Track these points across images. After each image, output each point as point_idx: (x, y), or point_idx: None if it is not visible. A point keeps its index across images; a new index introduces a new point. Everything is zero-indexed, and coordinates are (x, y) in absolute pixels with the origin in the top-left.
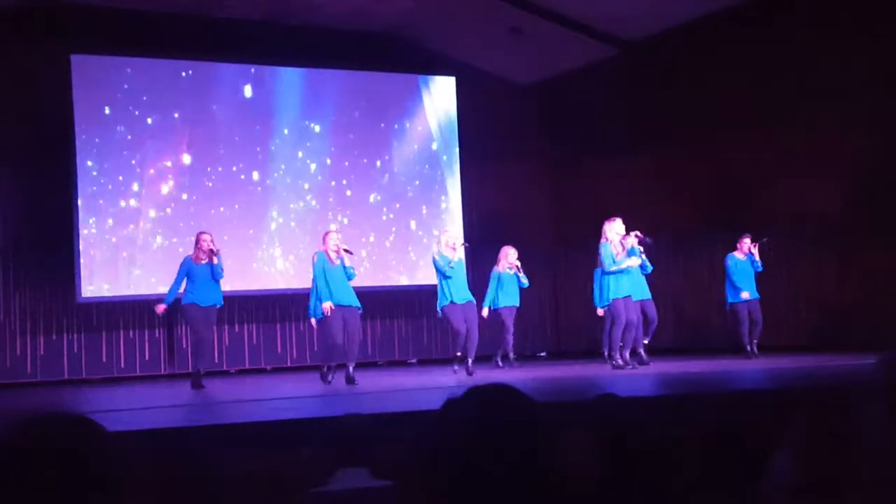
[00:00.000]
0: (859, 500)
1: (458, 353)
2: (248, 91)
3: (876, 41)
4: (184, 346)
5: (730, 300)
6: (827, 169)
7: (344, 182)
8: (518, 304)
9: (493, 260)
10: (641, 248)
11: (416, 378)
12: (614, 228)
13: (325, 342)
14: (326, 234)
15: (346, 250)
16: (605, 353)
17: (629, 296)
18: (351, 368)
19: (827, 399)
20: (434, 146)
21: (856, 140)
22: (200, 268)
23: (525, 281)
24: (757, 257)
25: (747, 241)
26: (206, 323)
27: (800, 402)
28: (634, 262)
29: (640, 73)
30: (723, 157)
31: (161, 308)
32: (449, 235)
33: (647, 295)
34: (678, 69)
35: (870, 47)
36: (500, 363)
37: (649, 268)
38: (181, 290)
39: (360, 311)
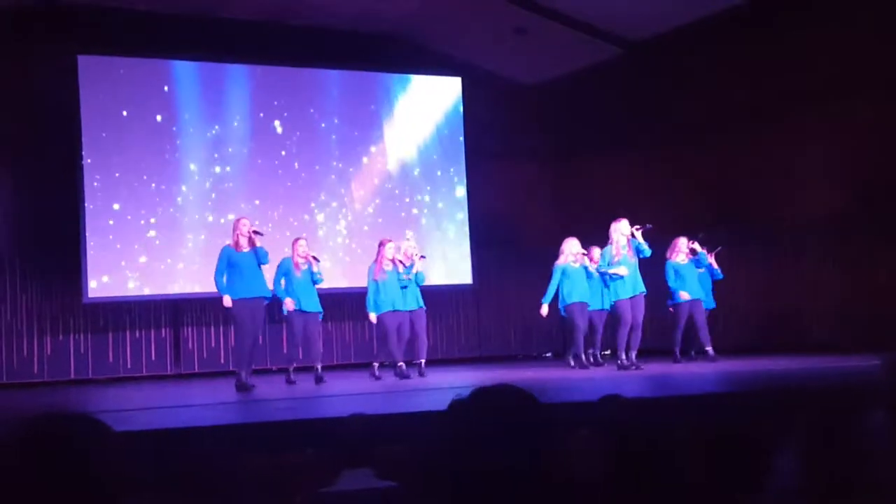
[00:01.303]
0: (863, 501)
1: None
2: (253, 91)
3: (878, 41)
4: (189, 346)
5: (671, 301)
6: (828, 170)
7: (342, 182)
8: (588, 301)
9: (495, 259)
10: (645, 243)
11: (422, 378)
12: (619, 229)
13: (289, 344)
14: (295, 241)
15: (313, 257)
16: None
17: (635, 295)
18: (319, 368)
19: (830, 400)
20: (437, 146)
21: (858, 141)
22: (244, 256)
23: (594, 272)
24: (711, 259)
25: (684, 241)
26: (253, 319)
27: (804, 403)
28: (623, 271)
29: (643, 74)
30: (725, 158)
31: (228, 300)
32: (391, 247)
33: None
34: (682, 69)
35: (872, 47)
36: (571, 363)
37: (719, 275)
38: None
39: (321, 317)
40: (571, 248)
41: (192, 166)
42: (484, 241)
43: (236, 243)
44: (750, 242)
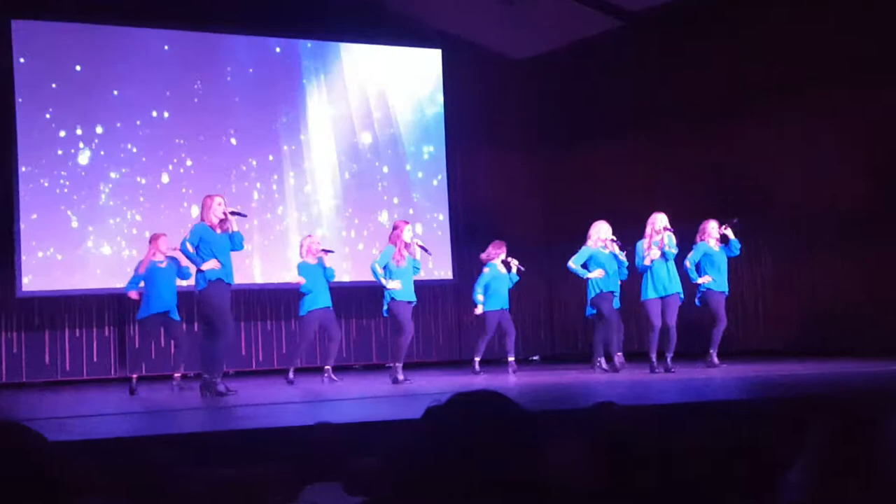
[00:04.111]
0: None
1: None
2: (208, 64)
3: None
4: (136, 346)
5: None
6: (846, 157)
7: (303, 166)
8: (617, 291)
9: (477, 253)
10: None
11: (396, 384)
12: (653, 223)
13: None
14: (210, 198)
15: (234, 212)
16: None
17: (666, 296)
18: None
19: (848, 409)
20: (414, 128)
21: (875, 126)
22: (218, 238)
23: (624, 259)
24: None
25: (714, 225)
26: (229, 308)
27: (819, 411)
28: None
29: (645, 49)
30: (733, 143)
31: (216, 263)
32: (409, 230)
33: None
34: (686, 45)
35: (890, 25)
36: (603, 365)
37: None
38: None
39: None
40: (600, 232)
41: (139, 144)
42: (466, 233)
43: (211, 224)
44: (761, 237)
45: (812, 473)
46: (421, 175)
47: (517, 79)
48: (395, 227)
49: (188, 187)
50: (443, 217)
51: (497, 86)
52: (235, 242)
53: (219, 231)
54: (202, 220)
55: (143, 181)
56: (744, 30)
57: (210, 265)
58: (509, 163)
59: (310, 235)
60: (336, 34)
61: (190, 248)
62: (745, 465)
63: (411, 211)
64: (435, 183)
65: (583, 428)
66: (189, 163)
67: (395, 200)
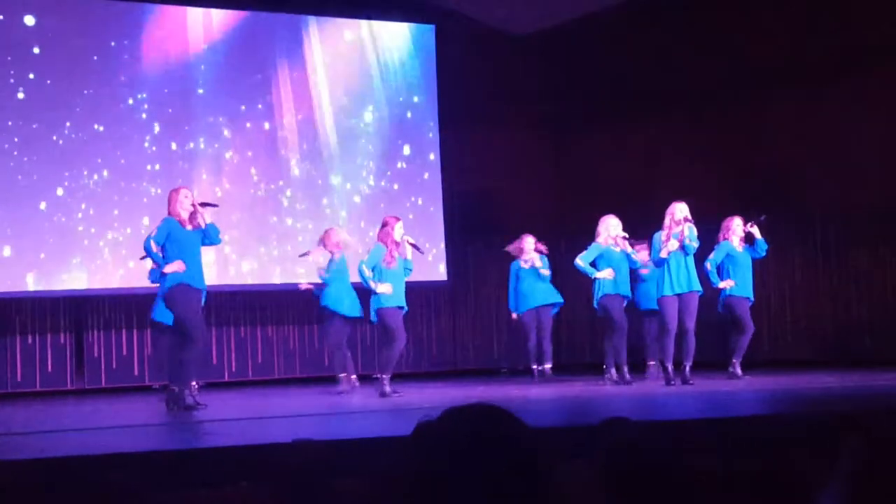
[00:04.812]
0: None
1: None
2: (168, 36)
3: None
4: (95, 355)
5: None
6: (887, 148)
7: (274, 152)
8: (629, 296)
9: (474, 251)
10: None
11: (384, 397)
12: (672, 213)
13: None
14: (175, 192)
15: (205, 203)
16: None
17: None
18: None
19: (885, 426)
20: (403, 109)
21: None
22: (188, 235)
23: (637, 259)
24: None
25: (739, 222)
26: (201, 315)
27: (851, 428)
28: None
29: (666, 20)
30: (763, 130)
31: (181, 265)
32: (401, 227)
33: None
34: (715, 16)
35: None
36: (613, 377)
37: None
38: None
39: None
40: (609, 228)
41: (99, 126)
42: (461, 229)
43: (179, 220)
44: (790, 236)
45: (845, 496)
46: (411, 162)
47: (523, 55)
48: (384, 224)
49: (153, 144)
50: (435, 210)
51: (499, 63)
52: (211, 236)
53: (189, 227)
54: (170, 214)
55: (101, 128)
56: (785, 4)
57: (173, 268)
58: (514, 147)
59: (334, 228)
60: (319, 8)
61: (154, 246)
62: (772, 487)
63: (383, 202)
64: (427, 170)
65: (591, 446)
66: (146, 104)
67: (383, 188)
